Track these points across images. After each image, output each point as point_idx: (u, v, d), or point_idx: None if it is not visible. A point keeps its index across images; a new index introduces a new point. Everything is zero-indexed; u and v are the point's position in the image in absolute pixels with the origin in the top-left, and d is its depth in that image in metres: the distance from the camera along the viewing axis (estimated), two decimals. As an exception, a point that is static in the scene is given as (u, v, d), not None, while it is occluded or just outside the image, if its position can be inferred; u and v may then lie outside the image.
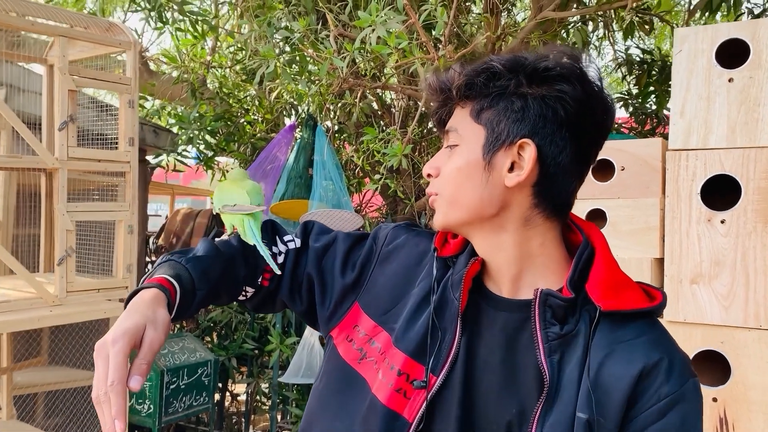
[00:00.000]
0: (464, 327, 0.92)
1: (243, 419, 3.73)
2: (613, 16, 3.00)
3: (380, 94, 3.28)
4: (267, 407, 3.74)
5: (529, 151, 0.88)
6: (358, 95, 2.80)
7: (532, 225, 0.92)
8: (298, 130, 3.43)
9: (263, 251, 1.01)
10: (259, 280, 1.04)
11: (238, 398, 4.13)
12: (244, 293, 1.04)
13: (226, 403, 3.97)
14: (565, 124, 0.88)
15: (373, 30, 2.13)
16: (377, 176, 2.79)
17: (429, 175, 0.95)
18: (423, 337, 0.93)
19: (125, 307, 0.88)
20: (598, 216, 2.13)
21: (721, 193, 1.80)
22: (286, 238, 1.08)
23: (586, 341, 0.87)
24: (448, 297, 0.95)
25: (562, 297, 0.87)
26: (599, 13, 2.64)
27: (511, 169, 0.89)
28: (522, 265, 0.93)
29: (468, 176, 0.90)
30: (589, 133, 0.92)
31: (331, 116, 3.34)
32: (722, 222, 1.77)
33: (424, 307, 0.97)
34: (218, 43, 3.71)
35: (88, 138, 2.50)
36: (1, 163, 2.01)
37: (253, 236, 1.02)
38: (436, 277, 0.98)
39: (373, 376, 0.95)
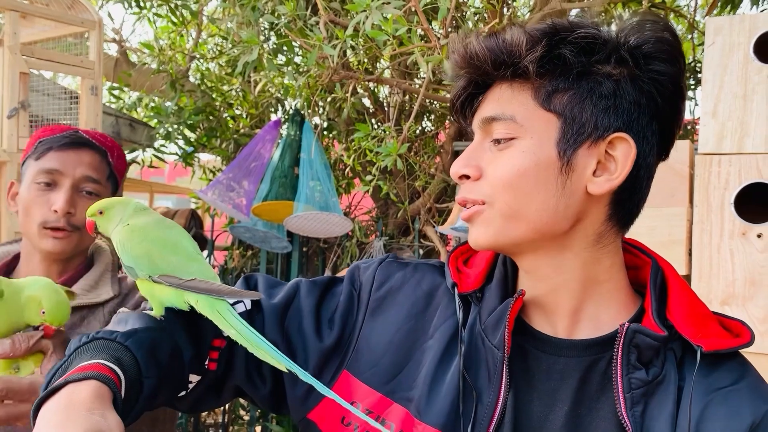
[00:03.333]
0: (510, 381, 0.69)
1: (220, 431, 3.50)
2: (626, 10, 2.81)
3: (373, 89, 3.06)
4: (245, 421, 3.52)
5: (625, 149, 0.67)
6: (350, 89, 2.57)
7: (604, 243, 0.71)
8: (284, 126, 3.20)
9: (262, 343, 0.71)
10: (206, 362, 0.76)
11: (215, 409, 3.91)
12: (187, 385, 0.75)
13: (203, 414, 3.76)
14: (656, 115, 0.69)
15: (368, 15, 1.91)
16: (369, 177, 2.57)
17: (464, 177, 0.71)
18: (455, 402, 0.70)
19: (37, 408, 0.59)
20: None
21: (757, 203, 1.61)
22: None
23: (676, 389, 0.67)
24: (478, 345, 0.72)
25: (655, 334, 0.67)
26: (612, 5, 2.44)
27: (595, 171, 0.68)
28: (585, 294, 0.71)
29: (537, 181, 0.67)
30: (674, 125, 0.72)
31: (320, 112, 3.12)
32: (759, 236, 1.58)
33: (448, 361, 0.73)
34: (201, 33, 3.47)
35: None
36: (-60, 153, 1.77)
37: (234, 328, 0.72)
38: (461, 321, 0.74)
39: None
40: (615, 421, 0.68)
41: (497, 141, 0.70)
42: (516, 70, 0.69)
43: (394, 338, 0.78)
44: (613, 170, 0.68)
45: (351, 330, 0.80)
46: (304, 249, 3.30)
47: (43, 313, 0.90)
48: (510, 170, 0.68)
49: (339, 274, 0.90)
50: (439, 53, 1.91)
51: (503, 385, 0.70)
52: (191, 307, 0.74)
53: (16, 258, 1.34)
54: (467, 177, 0.72)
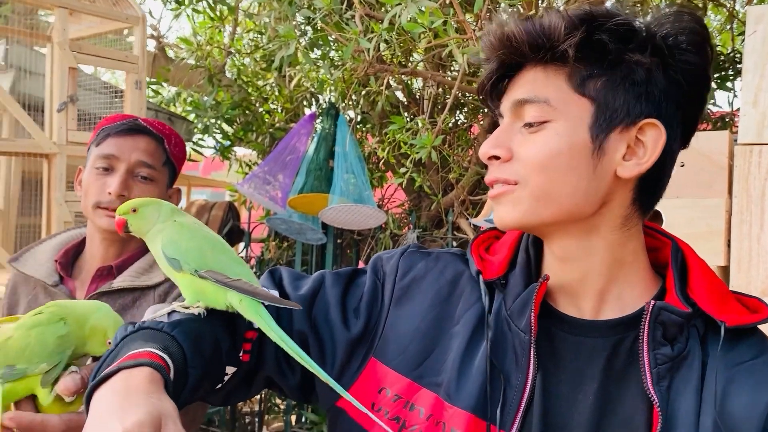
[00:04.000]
0: (537, 363, 0.72)
1: (256, 420, 3.57)
2: (663, 0, 2.76)
3: (407, 82, 3.08)
4: (281, 409, 3.58)
5: (655, 135, 0.70)
6: (384, 82, 2.60)
7: (629, 226, 0.73)
8: (318, 120, 3.24)
9: (288, 344, 0.73)
10: (240, 354, 0.78)
11: (250, 399, 3.98)
12: (224, 377, 0.77)
13: (239, 403, 3.83)
14: (682, 104, 0.71)
15: (404, 8, 1.93)
16: (403, 170, 2.59)
17: (493, 158, 0.73)
18: (484, 386, 0.72)
19: (89, 395, 0.61)
20: (652, 217, 1.92)
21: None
22: None
23: (700, 364, 0.70)
24: (504, 330, 0.75)
25: (679, 311, 0.69)
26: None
27: (624, 155, 0.70)
28: (611, 276, 0.74)
29: (570, 164, 0.69)
30: (698, 114, 0.74)
31: (354, 105, 3.15)
32: (800, 227, 1.55)
33: (475, 347, 0.76)
34: (237, 28, 3.53)
35: (94, 123, 2.34)
36: (-4, 146, 1.85)
37: (275, 332, 0.73)
38: (488, 307, 0.77)
39: None
40: (642, 396, 0.70)
41: (529, 124, 0.72)
42: (554, 53, 0.71)
43: (421, 325, 0.80)
44: (641, 155, 0.71)
45: (377, 319, 0.83)
46: (339, 241, 3.34)
47: (110, 343, 0.83)
48: (543, 152, 0.70)
49: (361, 266, 0.92)
50: (474, 45, 1.92)
51: (531, 368, 0.72)
52: (227, 306, 0.76)
53: (83, 242, 1.41)
54: (497, 158, 0.74)
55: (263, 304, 0.75)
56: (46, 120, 2.27)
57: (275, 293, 0.82)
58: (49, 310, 0.83)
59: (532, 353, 0.72)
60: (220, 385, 0.78)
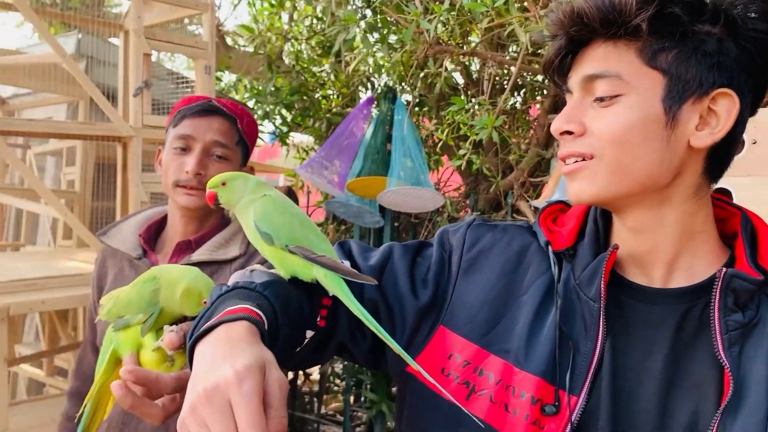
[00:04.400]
0: (606, 330, 0.73)
1: (315, 399, 3.65)
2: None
3: (466, 63, 3.07)
4: (339, 389, 3.65)
5: (728, 104, 0.70)
6: (443, 63, 2.60)
7: (701, 195, 0.75)
8: (375, 104, 3.26)
9: (366, 317, 0.76)
10: (317, 319, 0.82)
11: (311, 377, 4.07)
12: (303, 340, 0.81)
13: (299, 382, 3.92)
14: (752, 73, 0.72)
15: (465, -13, 1.92)
16: (461, 152, 2.59)
17: (566, 133, 0.74)
18: (553, 352, 0.75)
19: (194, 345, 0.65)
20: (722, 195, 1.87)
21: None
22: None
23: None
24: (573, 300, 0.76)
25: (751, 278, 0.70)
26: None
27: (697, 125, 0.71)
28: (681, 245, 0.75)
29: (644, 136, 0.70)
30: (764, 90, 0.75)
31: (411, 89, 3.16)
32: None
33: (544, 315, 0.78)
34: (295, 12, 3.58)
35: (165, 111, 2.43)
36: (76, 130, 1.95)
37: (355, 306, 0.77)
38: (557, 276, 0.78)
39: (497, 414, 0.75)
40: (712, 362, 0.70)
41: (600, 99, 0.73)
42: (626, 28, 0.71)
43: (489, 295, 0.82)
44: (714, 125, 0.71)
45: (444, 289, 0.85)
46: (396, 224, 3.37)
47: (205, 302, 0.84)
48: (618, 125, 0.71)
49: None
50: (538, 23, 1.90)
51: (600, 335, 0.74)
52: (312, 279, 0.79)
53: (165, 218, 1.49)
54: (569, 133, 0.75)
55: (344, 278, 0.78)
56: (119, 107, 2.37)
57: (347, 264, 0.85)
58: (148, 271, 0.89)
59: (601, 320, 0.74)
60: (298, 349, 0.81)
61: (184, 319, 0.90)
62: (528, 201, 2.85)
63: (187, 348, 0.68)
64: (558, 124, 0.75)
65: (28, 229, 4.27)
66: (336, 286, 0.77)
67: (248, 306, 0.69)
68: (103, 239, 1.46)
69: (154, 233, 1.47)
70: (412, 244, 0.90)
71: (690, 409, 0.70)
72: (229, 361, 0.59)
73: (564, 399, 0.73)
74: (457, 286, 0.85)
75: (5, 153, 1.90)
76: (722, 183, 1.90)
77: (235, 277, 0.81)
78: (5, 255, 3.28)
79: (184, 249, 1.41)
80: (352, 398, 3.41)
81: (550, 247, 0.81)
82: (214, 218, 1.43)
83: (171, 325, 0.86)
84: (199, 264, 1.34)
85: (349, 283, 0.81)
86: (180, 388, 0.75)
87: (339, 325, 0.84)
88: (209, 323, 0.67)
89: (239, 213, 0.85)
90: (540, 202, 2.56)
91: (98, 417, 0.90)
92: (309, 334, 0.81)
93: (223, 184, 0.84)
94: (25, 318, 3.96)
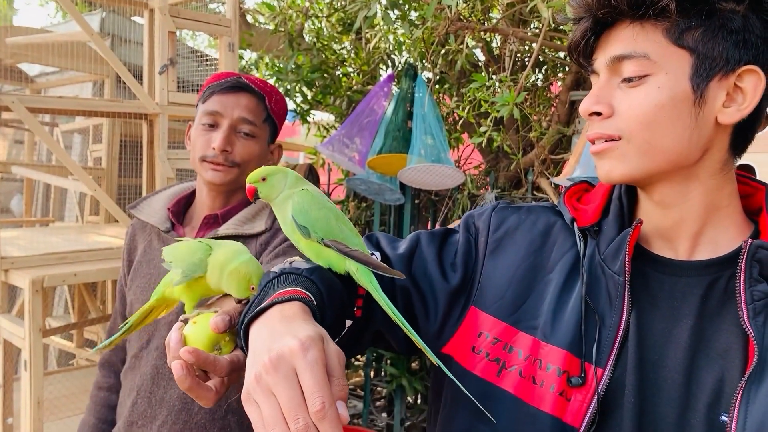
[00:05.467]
0: (632, 303, 0.75)
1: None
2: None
3: (487, 39, 3.05)
4: (360, 363, 3.71)
5: (755, 80, 0.71)
6: (464, 40, 2.59)
7: (727, 170, 0.76)
8: (395, 81, 3.26)
9: (394, 312, 0.78)
10: (354, 308, 0.84)
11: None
12: (344, 328, 0.83)
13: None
14: None
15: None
16: (482, 129, 2.59)
17: (594, 115, 0.76)
18: (579, 325, 0.77)
19: (246, 326, 0.68)
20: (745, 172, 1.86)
21: None
22: None
23: None
24: (598, 274, 0.78)
25: None
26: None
27: (723, 102, 0.72)
28: (707, 219, 0.77)
29: (673, 115, 0.72)
30: None
31: (432, 66, 3.15)
32: None
33: (570, 290, 0.80)
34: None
35: (188, 89, 2.46)
36: (103, 107, 2.00)
37: (382, 299, 0.79)
38: (582, 252, 0.80)
39: (525, 387, 0.78)
40: (737, 331, 0.72)
41: (628, 79, 0.74)
42: (654, 9, 0.72)
43: (516, 274, 0.85)
44: (741, 101, 0.72)
45: (473, 270, 0.88)
46: (416, 201, 3.39)
47: (253, 288, 0.84)
48: (647, 106, 0.72)
49: (451, 225, 0.97)
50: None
51: (625, 307, 0.76)
52: (346, 272, 0.82)
53: (193, 193, 1.52)
54: (598, 114, 0.76)
55: (374, 272, 0.81)
56: (145, 85, 2.41)
57: (377, 255, 0.88)
58: (206, 240, 0.90)
59: (626, 294, 0.75)
60: (337, 339, 0.83)
61: (223, 298, 0.91)
62: (549, 178, 2.85)
63: (241, 330, 0.71)
64: (586, 105, 0.77)
65: (56, 206, 4.37)
66: (366, 280, 0.80)
67: (298, 288, 0.72)
68: (133, 212, 1.49)
69: (182, 207, 1.50)
70: (438, 231, 0.93)
71: (715, 377, 0.71)
72: (291, 332, 0.61)
73: (590, 371, 0.75)
74: (485, 268, 0.87)
75: (37, 129, 1.95)
76: (745, 159, 1.90)
77: (277, 267, 0.83)
78: (36, 230, 3.37)
79: (211, 223, 1.43)
80: (372, 372, 3.46)
81: (575, 224, 0.83)
82: (240, 193, 1.46)
83: (208, 301, 0.88)
84: (226, 238, 1.37)
85: (380, 276, 0.84)
86: (232, 371, 0.75)
87: (375, 315, 0.87)
88: (263, 305, 0.69)
89: (277, 206, 0.86)
90: (561, 179, 2.56)
91: (134, 329, 0.93)
92: (347, 323, 0.84)
93: (264, 179, 0.86)
94: (55, 292, 4.06)
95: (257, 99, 1.42)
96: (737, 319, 0.71)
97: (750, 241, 0.72)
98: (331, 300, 0.76)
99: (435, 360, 0.77)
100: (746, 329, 0.70)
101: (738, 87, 0.72)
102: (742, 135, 0.76)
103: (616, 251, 0.77)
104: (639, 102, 0.73)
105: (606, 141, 0.76)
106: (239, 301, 0.85)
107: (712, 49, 0.71)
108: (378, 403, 3.68)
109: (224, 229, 1.40)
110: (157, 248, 1.46)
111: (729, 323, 0.73)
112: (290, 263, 0.83)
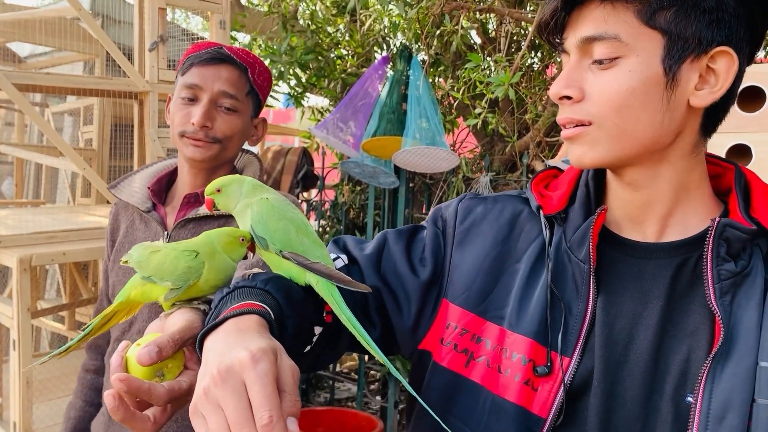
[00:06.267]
0: (598, 290, 0.74)
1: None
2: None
3: (483, 20, 3.02)
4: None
5: (727, 62, 0.69)
6: (459, 21, 2.56)
7: (698, 152, 0.75)
8: (390, 64, 3.23)
9: (356, 327, 0.75)
10: (324, 314, 0.81)
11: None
12: (312, 337, 0.80)
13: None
14: (751, 25, 0.70)
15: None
16: (477, 111, 2.57)
17: (565, 98, 0.73)
18: (544, 313, 0.76)
19: (202, 340, 0.65)
20: (740, 152, 1.85)
21: None
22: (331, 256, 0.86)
23: (763, 281, 0.70)
24: (564, 262, 0.77)
25: (744, 227, 0.70)
26: None
27: (695, 85, 0.70)
28: (677, 201, 0.75)
29: (645, 99, 0.69)
30: (764, 32, 0.73)
31: (427, 47, 3.12)
32: None
33: (536, 278, 0.79)
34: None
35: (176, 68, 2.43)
36: (93, 84, 1.97)
37: (344, 314, 0.76)
38: (548, 240, 0.79)
39: (490, 376, 0.77)
40: (705, 311, 0.71)
41: (599, 61, 0.71)
42: None
43: (483, 264, 0.83)
44: (713, 83, 0.70)
45: (442, 263, 0.87)
46: (411, 185, 3.37)
47: (243, 240, 0.82)
48: (618, 90, 0.70)
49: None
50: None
51: (591, 295, 0.74)
52: (307, 284, 0.78)
53: (176, 171, 1.46)
54: (568, 98, 0.73)
55: (337, 286, 0.78)
56: (135, 64, 2.37)
57: (344, 258, 0.86)
58: (189, 242, 0.83)
59: (591, 282, 0.74)
60: (309, 348, 0.81)
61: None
62: (544, 161, 2.83)
63: (198, 341, 0.68)
64: (556, 89, 0.74)
65: (47, 188, 4.34)
66: (327, 293, 0.77)
67: (253, 301, 0.70)
68: (114, 192, 1.43)
69: (165, 186, 1.44)
70: (405, 229, 0.92)
71: (682, 357, 0.70)
72: (242, 345, 0.59)
73: (557, 360, 0.73)
74: (453, 259, 0.86)
75: (25, 107, 1.92)
76: (741, 139, 1.88)
77: (236, 280, 0.81)
78: (26, 210, 3.34)
79: (192, 202, 1.37)
80: (366, 356, 3.47)
81: (541, 212, 0.82)
82: (223, 170, 1.40)
83: (195, 300, 0.84)
84: (207, 218, 1.33)
85: (349, 271, 0.82)
86: (172, 399, 0.70)
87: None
88: (217, 319, 0.67)
89: (237, 217, 0.84)
90: (556, 162, 2.54)
91: (94, 333, 0.87)
92: (317, 330, 0.81)
93: (218, 190, 0.84)
94: (47, 274, 4.04)
95: (239, 71, 1.35)
96: (705, 299, 0.70)
97: (718, 219, 0.71)
98: (292, 309, 0.74)
99: (394, 372, 0.76)
100: (713, 309, 0.69)
101: (711, 69, 0.70)
102: (713, 117, 0.75)
103: (582, 239, 0.76)
104: (610, 86, 0.70)
105: (576, 126, 0.73)
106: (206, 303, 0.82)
107: (685, 29, 0.68)
108: (372, 387, 3.68)
109: (204, 208, 1.33)
110: (140, 228, 1.41)
111: (698, 304, 0.72)
112: (250, 276, 0.80)
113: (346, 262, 0.87)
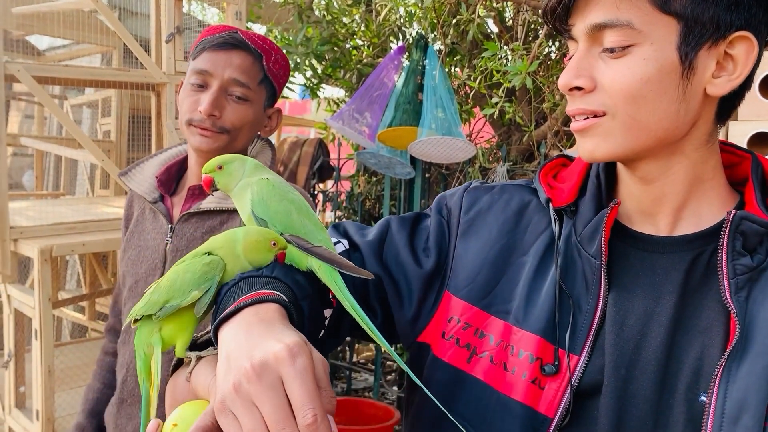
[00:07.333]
0: (609, 287, 0.71)
1: (347, 348, 3.73)
2: None
3: (500, 8, 2.99)
4: (370, 339, 3.72)
5: (747, 48, 0.66)
6: (476, 9, 2.54)
7: (712, 141, 0.71)
8: (406, 54, 3.22)
9: (359, 313, 0.73)
10: (330, 297, 0.79)
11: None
12: (324, 320, 0.78)
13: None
14: None
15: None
16: (494, 100, 2.55)
17: (575, 89, 0.70)
18: (552, 310, 0.73)
19: (218, 329, 0.62)
20: (761, 141, 1.82)
21: None
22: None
23: None
24: (574, 257, 0.74)
25: (761, 220, 0.67)
26: None
27: (713, 72, 0.67)
28: (690, 192, 0.72)
29: (660, 89, 0.66)
30: None
31: (443, 37, 3.10)
32: None
33: (544, 273, 0.75)
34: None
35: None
36: (110, 76, 1.98)
37: (346, 299, 0.73)
38: (557, 234, 0.76)
39: (495, 374, 0.74)
40: (719, 307, 0.68)
41: (610, 50, 0.67)
42: None
43: (488, 256, 0.80)
44: (731, 70, 0.67)
45: (446, 253, 0.83)
46: (426, 175, 3.36)
47: (275, 245, 0.75)
48: (632, 79, 0.66)
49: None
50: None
51: (602, 293, 0.71)
52: (308, 269, 0.76)
53: (187, 159, 1.40)
54: (578, 89, 0.70)
55: (339, 271, 0.76)
56: (152, 55, 2.38)
57: (344, 243, 0.83)
58: (199, 248, 0.77)
59: (602, 278, 0.71)
60: (322, 333, 0.79)
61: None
62: (562, 150, 2.80)
63: (212, 330, 0.66)
64: (566, 79, 0.70)
65: (66, 180, 4.39)
66: (329, 278, 0.74)
67: (265, 290, 0.67)
68: (124, 180, 1.38)
69: (175, 174, 1.38)
70: (409, 216, 0.88)
71: (695, 355, 0.68)
72: (275, 337, 0.56)
73: (564, 358, 0.71)
74: (456, 249, 0.83)
75: (45, 99, 1.94)
76: (763, 127, 1.85)
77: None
78: (46, 202, 3.39)
79: (196, 194, 1.31)
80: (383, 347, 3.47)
81: (550, 204, 0.79)
82: None
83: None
84: (210, 212, 1.28)
85: (349, 255, 0.80)
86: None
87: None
88: (229, 309, 0.63)
89: (236, 197, 0.80)
90: (574, 151, 2.52)
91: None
92: (327, 313, 0.79)
93: (220, 167, 0.79)
94: (67, 265, 4.10)
95: (253, 58, 1.27)
96: (719, 294, 0.67)
97: (734, 212, 0.68)
98: (301, 290, 0.72)
99: (399, 360, 0.74)
100: (727, 305, 0.66)
101: (729, 55, 0.67)
102: (728, 105, 0.71)
103: (593, 233, 0.73)
104: (623, 75, 0.67)
105: (588, 117, 0.70)
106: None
107: (702, 13, 0.65)
108: (389, 377, 3.70)
109: (207, 202, 1.28)
110: (148, 218, 1.36)
111: (712, 299, 0.69)
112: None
113: (347, 247, 0.84)
